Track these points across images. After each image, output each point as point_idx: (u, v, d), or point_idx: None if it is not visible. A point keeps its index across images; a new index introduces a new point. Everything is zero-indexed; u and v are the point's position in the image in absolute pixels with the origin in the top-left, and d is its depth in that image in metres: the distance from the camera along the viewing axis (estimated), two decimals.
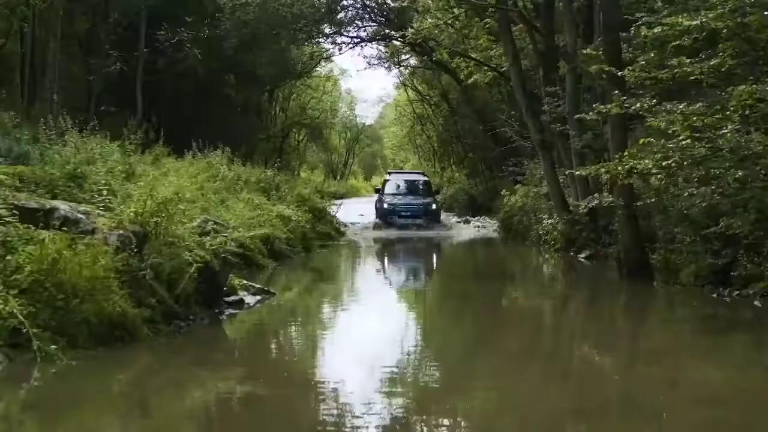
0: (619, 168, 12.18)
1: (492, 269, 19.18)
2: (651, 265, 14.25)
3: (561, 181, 21.13)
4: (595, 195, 14.81)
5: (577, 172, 15.12)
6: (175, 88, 32.56)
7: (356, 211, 30.86)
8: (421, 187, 31.07)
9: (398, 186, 30.88)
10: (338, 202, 28.32)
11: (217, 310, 11.16)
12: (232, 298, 11.78)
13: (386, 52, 40.39)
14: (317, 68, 55.87)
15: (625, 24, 14.40)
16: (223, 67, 34.74)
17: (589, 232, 18.54)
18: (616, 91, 13.27)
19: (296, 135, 63.06)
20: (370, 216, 30.16)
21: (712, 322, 11.18)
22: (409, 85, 48.50)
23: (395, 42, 36.51)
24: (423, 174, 34.38)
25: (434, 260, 22.32)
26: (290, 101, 57.81)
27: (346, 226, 26.68)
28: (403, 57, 42.13)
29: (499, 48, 23.71)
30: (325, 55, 42.52)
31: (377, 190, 31.13)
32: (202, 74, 32.07)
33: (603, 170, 12.71)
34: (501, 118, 28.01)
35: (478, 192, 36.72)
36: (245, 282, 12.63)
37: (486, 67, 26.87)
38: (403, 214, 28.59)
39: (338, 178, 77.48)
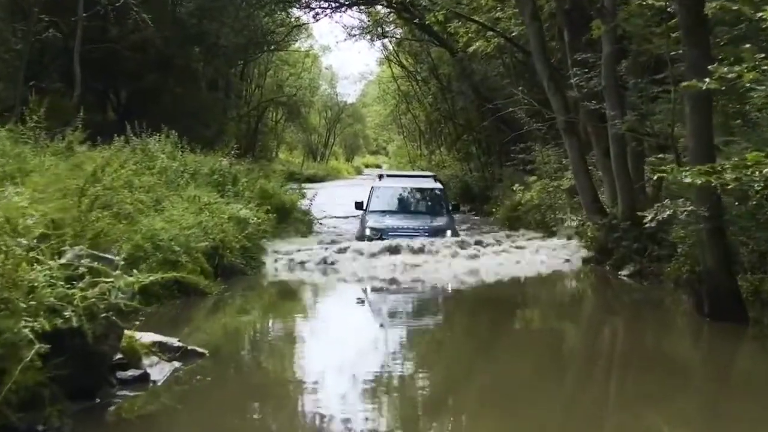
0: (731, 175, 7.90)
1: (511, 291, 14.67)
2: (742, 299, 10.13)
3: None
4: (666, 202, 10.52)
5: (655, 176, 10.80)
6: (135, 61, 28.72)
7: (335, 199, 26.22)
8: (429, 200, 19.19)
9: (393, 199, 19.11)
10: (313, 190, 23.98)
11: (98, 400, 6.91)
12: (130, 373, 7.51)
13: (368, 20, 35.94)
14: (294, 42, 52.39)
15: None
16: (186, 38, 30.56)
17: (632, 242, 14.33)
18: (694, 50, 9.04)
19: (273, 114, 59.13)
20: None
21: None
22: (394, 59, 44.06)
23: (379, 6, 32.00)
24: (434, 178, 20.66)
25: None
26: (266, 78, 53.90)
27: (320, 223, 22.34)
28: (388, 27, 37.68)
29: (508, 8, 19.33)
30: (297, 23, 38.00)
31: (358, 205, 18.88)
32: (162, 46, 27.96)
33: (711, 177, 8.24)
34: (507, 94, 23.60)
35: (473, 179, 32.45)
36: (158, 339, 8.33)
37: (491, 33, 22.42)
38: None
39: (318, 159, 73.70)
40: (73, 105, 22.01)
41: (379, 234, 16.86)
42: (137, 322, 8.36)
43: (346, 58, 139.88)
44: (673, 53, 11.85)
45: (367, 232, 17.29)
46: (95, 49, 25.76)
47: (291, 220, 19.77)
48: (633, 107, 14.38)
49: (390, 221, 17.59)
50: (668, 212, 10.13)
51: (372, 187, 19.43)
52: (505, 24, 21.69)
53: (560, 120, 15.75)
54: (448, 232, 17.31)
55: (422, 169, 46.77)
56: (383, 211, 18.29)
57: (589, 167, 16.34)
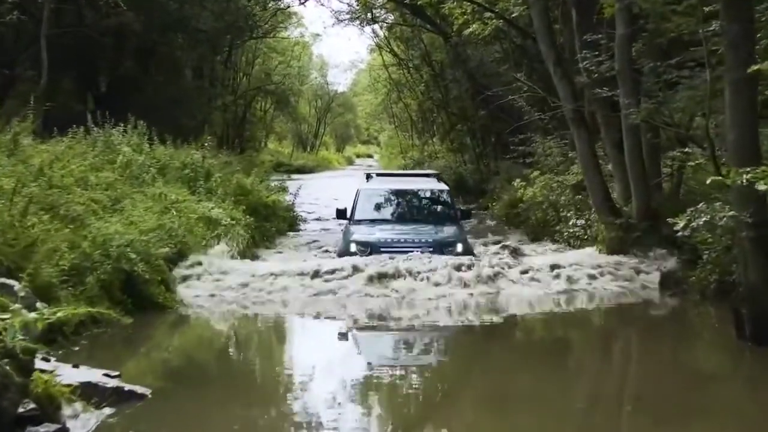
0: None
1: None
2: None
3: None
4: (702, 206, 8.91)
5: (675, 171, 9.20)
6: (113, 48, 27.58)
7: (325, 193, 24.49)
8: (432, 205, 15.41)
9: (385, 205, 15.26)
10: (301, 181, 22.38)
11: None
12: (44, 429, 5.92)
13: (357, 4, 34.26)
14: (283, 29, 50.77)
15: None
16: (166, 24, 29.00)
17: (653, 245, 12.79)
18: None
19: (262, 103, 57.46)
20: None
21: None
22: (385, 47, 42.35)
23: None
24: (437, 177, 17.08)
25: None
26: (253, 66, 52.26)
27: (306, 221, 20.77)
28: (378, 12, 35.99)
29: None
30: (281, 6, 36.39)
31: (340, 213, 14.85)
32: (142, 32, 26.28)
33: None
34: (504, 81, 21.97)
35: (467, 171, 30.86)
36: (86, 378, 6.74)
37: (489, 14, 20.76)
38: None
39: (309, 149, 72.08)
40: (40, 93, 20.46)
41: (368, 249, 13.02)
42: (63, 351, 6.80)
43: (336, 46, 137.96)
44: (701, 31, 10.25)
45: (353, 247, 13.20)
46: (68, 35, 24.17)
47: (274, 219, 18.17)
48: (648, 94, 12.81)
49: (381, 233, 13.65)
50: (705, 218, 8.54)
51: (358, 190, 15.23)
52: (504, 4, 20.04)
53: (567, 109, 14.13)
54: (458, 246, 13.23)
55: (414, 161, 45.10)
56: (373, 221, 14.39)
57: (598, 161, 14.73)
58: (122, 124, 16.09)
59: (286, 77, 55.27)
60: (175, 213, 13.52)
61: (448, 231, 13.91)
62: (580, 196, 15.88)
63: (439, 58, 34.15)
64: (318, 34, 66.45)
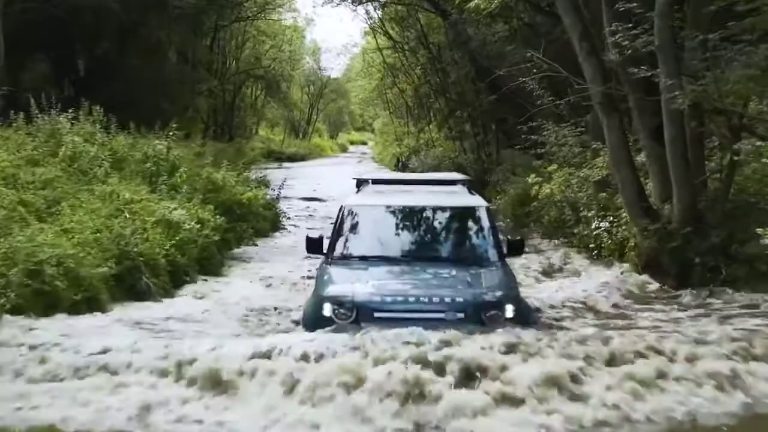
0: None
1: None
2: None
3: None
4: None
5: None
6: (89, 28, 25.80)
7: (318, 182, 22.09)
8: (459, 232, 9.55)
9: (384, 233, 9.29)
10: (291, 170, 20.21)
11: None
12: None
13: None
14: (273, 11, 48.79)
15: None
16: (145, 3, 26.88)
17: (699, 255, 10.61)
18: None
19: (252, 89, 55.44)
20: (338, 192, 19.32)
21: None
22: (379, 29, 40.10)
23: None
24: (466, 185, 10.70)
25: None
26: (242, 50, 50.31)
27: (289, 218, 18.55)
28: None
29: None
30: None
31: (312, 245, 9.12)
32: (120, 11, 24.28)
33: None
34: (511, 63, 19.69)
35: (467, 161, 28.68)
36: None
37: None
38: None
39: (301, 136, 70.09)
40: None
41: (352, 314, 7.69)
42: None
43: (329, 28, 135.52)
44: None
45: (326, 309, 7.78)
46: (32, 10, 21.88)
47: (251, 218, 15.90)
48: (693, 74, 10.59)
49: (377, 283, 8.09)
50: None
51: (342, 208, 9.55)
52: None
53: (595, 92, 11.87)
54: (507, 309, 7.75)
55: (410, 149, 42.76)
56: (364, 259, 8.83)
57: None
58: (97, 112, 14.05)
59: (275, 60, 53.40)
60: (128, 216, 11.33)
61: (490, 279, 8.30)
62: (604, 194, 13.70)
63: (436, 39, 32.00)
64: (311, 19, 64.57)
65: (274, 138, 63.97)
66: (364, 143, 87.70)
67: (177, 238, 11.51)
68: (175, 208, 12.25)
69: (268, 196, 17.82)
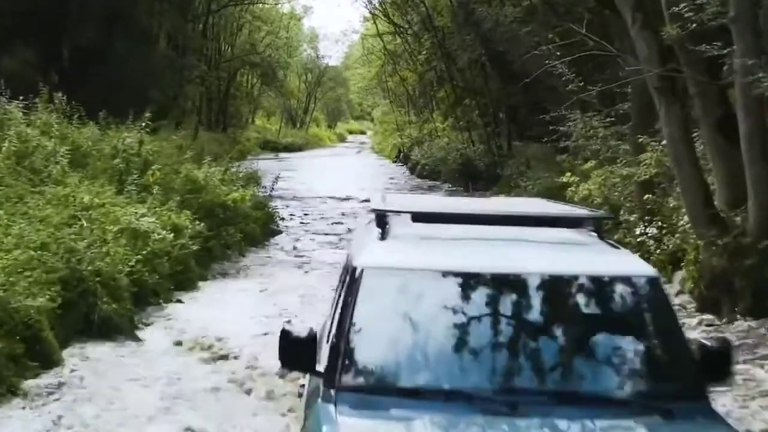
0: None
1: None
2: None
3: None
4: None
5: None
6: (73, 13, 24.57)
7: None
8: (616, 332, 3.73)
9: (459, 329, 3.63)
10: (287, 161, 18.23)
11: None
12: None
13: None
14: None
15: None
16: None
17: None
18: None
19: (247, 77, 53.53)
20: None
21: None
22: (380, 12, 38.17)
23: None
24: (592, 223, 4.38)
25: None
26: (237, 36, 48.56)
27: (284, 219, 16.49)
28: None
29: None
30: None
31: (293, 354, 3.61)
32: None
33: None
34: (529, 46, 17.63)
35: (476, 153, 26.75)
36: None
37: None
38: None
39: (298, 125, 68.25)
40: None
41: None
42: None
43: (327, 15, 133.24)
44: None
45: None
46: None
47: (239, 222, 13.74)
48: None
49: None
50: None
51: (355, 274, 3.86)
52: None
53: (651, 75, 9.84)
54: None
55: (412, 139, 40.66)
56: (407, 395, 3.42)
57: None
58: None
59: (271, 47, 51.49)
60: (85, 224, 9.30)
61: None
62: (653, 196, 11.69)
63: (442, 22, 30.01)
64: (309, 6, 62.93)
65: (271, 128, 62.17)
66: (363, 132, 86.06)
67: (145, 250, 9.49)
68: (144, 214, 10.21)
69: (260, 193, 15.81)
